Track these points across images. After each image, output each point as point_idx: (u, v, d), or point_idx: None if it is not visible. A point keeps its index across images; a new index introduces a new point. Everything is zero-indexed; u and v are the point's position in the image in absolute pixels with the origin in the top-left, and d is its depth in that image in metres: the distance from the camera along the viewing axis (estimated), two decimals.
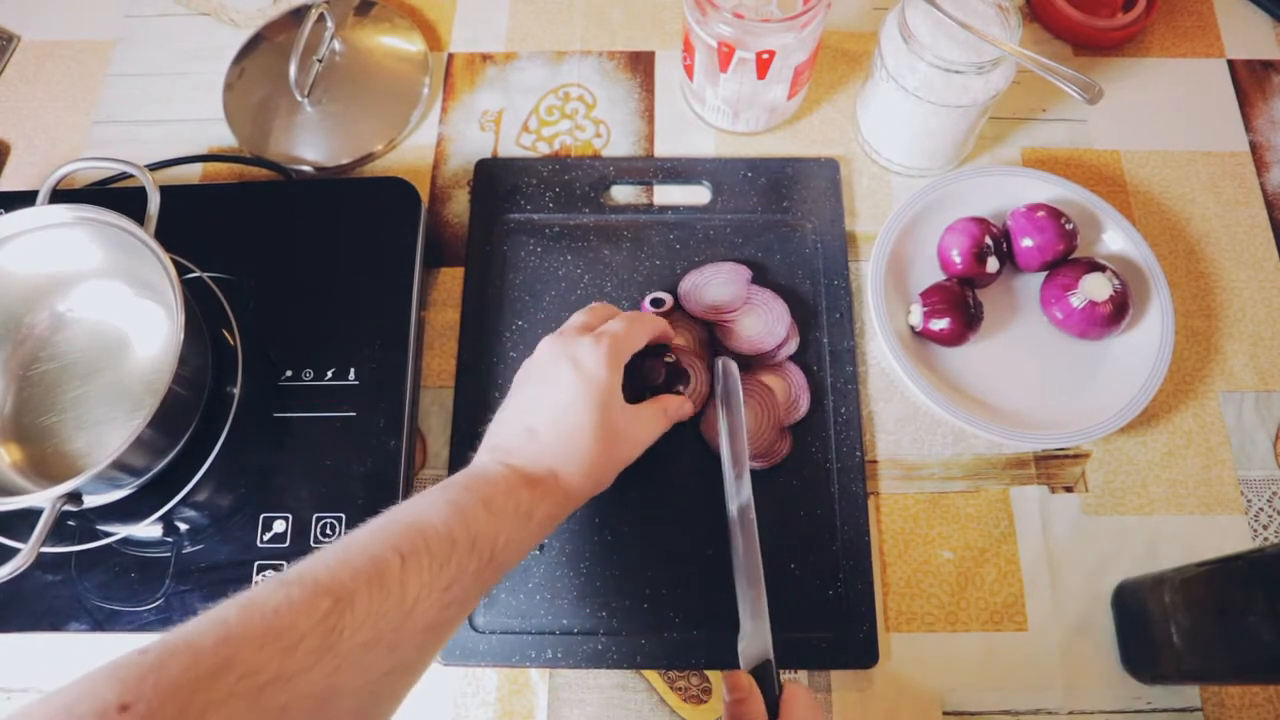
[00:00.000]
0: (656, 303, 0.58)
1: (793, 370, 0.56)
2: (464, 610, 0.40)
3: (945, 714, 0.51)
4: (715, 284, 0.58)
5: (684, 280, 0.59)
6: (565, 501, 0.44)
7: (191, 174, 0.66)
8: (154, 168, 0.64)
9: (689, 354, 0.57)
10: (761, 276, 0.60)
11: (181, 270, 0.51)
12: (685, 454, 0.55)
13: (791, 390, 0.56)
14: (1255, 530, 0.55)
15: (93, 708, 0.28)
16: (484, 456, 0.45)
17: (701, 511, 0.54)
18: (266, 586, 0.34)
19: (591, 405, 0.45)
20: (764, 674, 0.44)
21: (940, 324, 0.55)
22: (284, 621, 0.33)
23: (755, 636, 0.46)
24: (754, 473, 0.54)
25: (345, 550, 0.37)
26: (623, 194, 0.64)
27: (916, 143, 0.62)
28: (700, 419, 0.55)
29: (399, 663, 0.36)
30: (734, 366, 0.54)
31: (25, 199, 0.52)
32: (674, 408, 0.51)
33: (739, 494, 0.50)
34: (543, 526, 0.43)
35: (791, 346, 0.57)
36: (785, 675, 0.51)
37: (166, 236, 0.50)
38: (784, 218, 0.62)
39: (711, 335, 0.58)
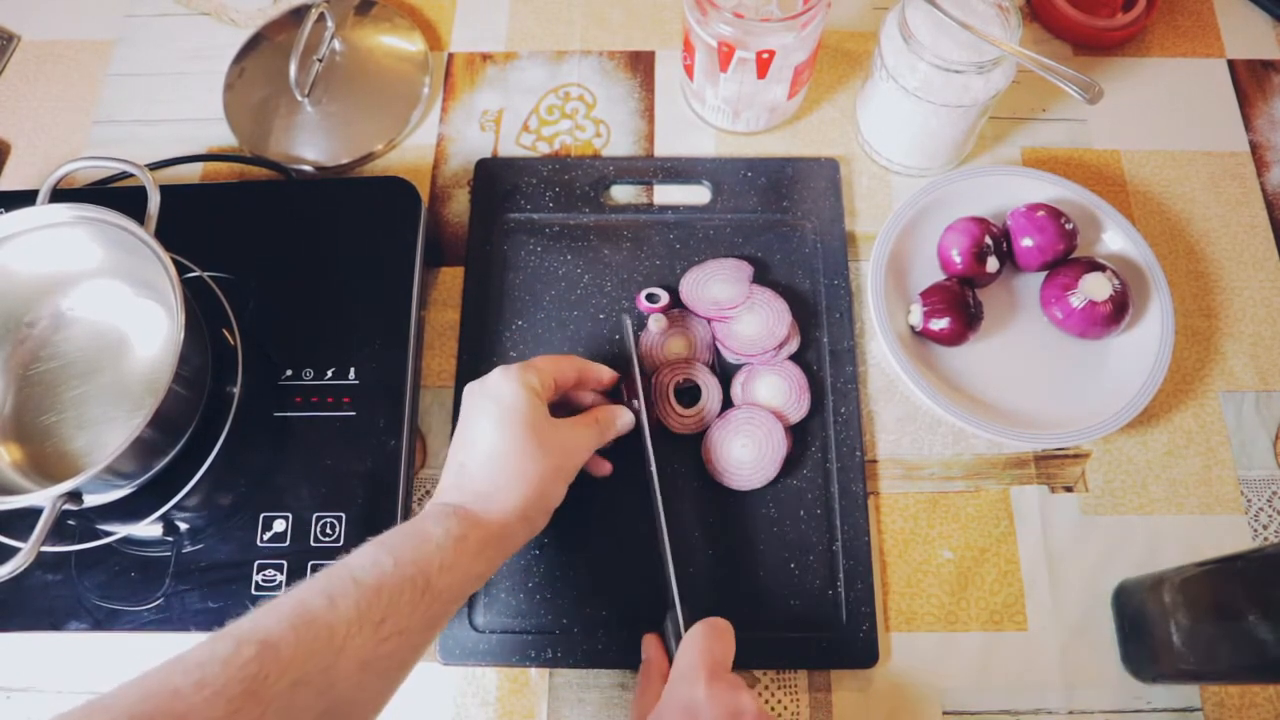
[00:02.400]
0: (652, 298, 0.58)
1: (793, 370, 0.56)
2: (407, 645, 0.39)
3: (945, 714, 0.51)
4: (717, 280, 0.58)
5: (685, 277, 0.59)
6: (499, 523, 0.44)
7: (191, 174, 0.66)
8: (154, 167, 0.64)
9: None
10: (761, 276, 0.60)
11: (181, 270, 0.51)
12: (686, 456, 0.55)
13: (792, 390, 0.56)
14: (1255, 530, 0.55)
15: None
16: (428, 504, 0.46)
17: (701, 512, 0.54)
18: (197, 645, 0.35)
19: (508, 426, 0.45)
20: (675, 625, 0.47)
21: (940, 324, 0.55)
22: (206, 673, 0.33)
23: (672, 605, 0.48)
24: None
25: (275, 600, 0.38)
26: (623, 194, 0.64)
27: (916, 143, 0.62)
28: (700, 438, 0.55)
29: (335, 704, 0.36)
30: (628, 326, 0.55)
31: (25, 199, 0.52)
32: (605, 416, 0.51)
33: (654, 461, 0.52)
34: (483, 550, 0.43)
35: (792, 346, 0.57)
36: (786, 675, 0.51)
37: (166, 236, 0.50)
38: (784, 218, 0.62)
39: (713, 335, 0.58)
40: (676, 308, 0.59)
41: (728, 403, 0.56)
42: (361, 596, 0.38)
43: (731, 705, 0.40)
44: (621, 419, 0.52)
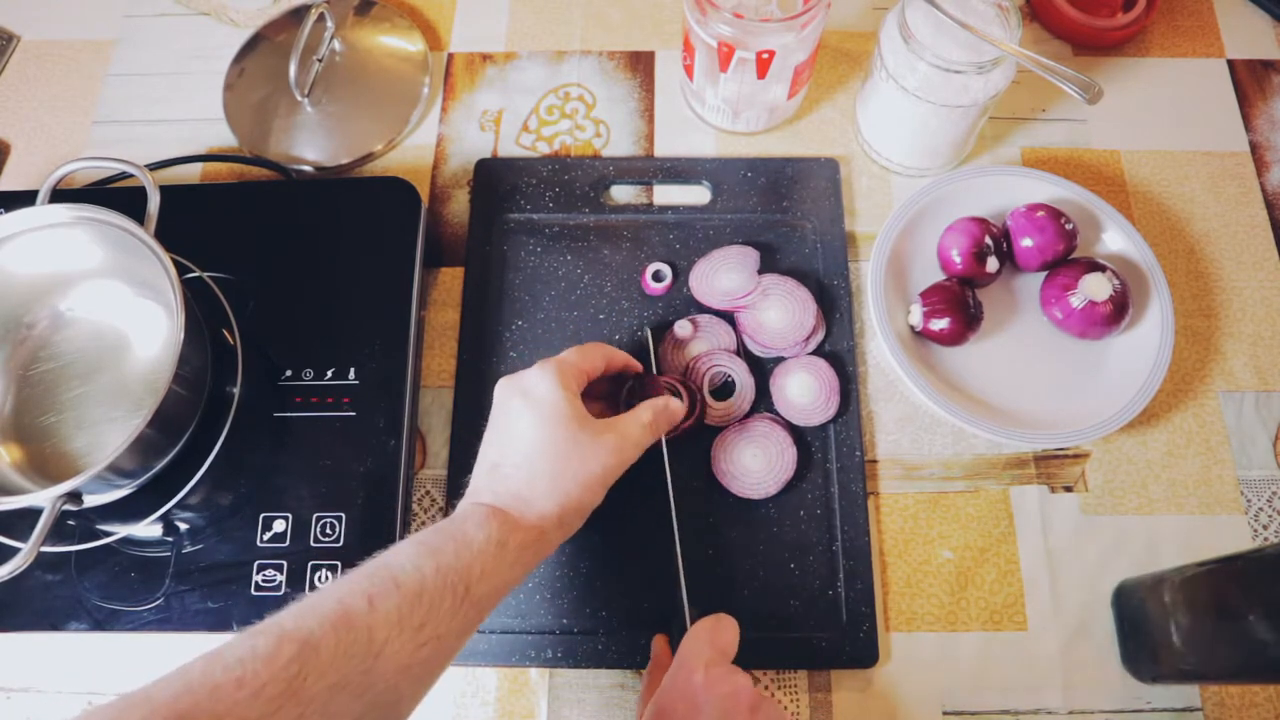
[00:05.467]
0: (658, 275, 0.58)
1: (826, 371, 0.56)
2: (443, 650, 0.39)
3: (945, 714, 0.51)
4: (724, 270, 0.58)
5: (693, 271, 0.59)
6: (538, 528, 0.43)
7: (191, 174, 0.66)
8: (154, 167, 0.64)
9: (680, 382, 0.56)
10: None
11: (181, 270, 0.51)
12: (691, 455, 0.55)
13: (822, 390, 0.55)
14: (1255, 530, 0.55)
15: None
16: (461, 504, 0.45)
17: (701, 513, 0.54)
18: (234, 639, 0.35)
19: (544, 426, 0.44)
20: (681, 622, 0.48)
21: (940, 324, 0.55)
22: (247, 670, 0.33)
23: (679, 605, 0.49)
24: None
25: (315, 598, 0.37)
26: (623, 194, 0.64)
27: (916, 143, 0.62)
28: (709, 439, 0.55)
29: (370, 706, 0.36)
30: (649, 337, 0.57)
31: (25, 199, 0.52)
32: (660, 409, 0.49)
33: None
34: (521, 555, 0.43)
35: (819, 336, 0.57)
36: (786, 675, 0.51)
37: (166, 236, 0.50)
38: (784, 218, 0.62)
39: (736, 334, 0.58)
40: (697, 311, 0.58)
41: (760, 396, 0.56)
42: (403, 600, 0.37)
43: (728, 687, 0.41)
44: (672, 405, 0.50)
